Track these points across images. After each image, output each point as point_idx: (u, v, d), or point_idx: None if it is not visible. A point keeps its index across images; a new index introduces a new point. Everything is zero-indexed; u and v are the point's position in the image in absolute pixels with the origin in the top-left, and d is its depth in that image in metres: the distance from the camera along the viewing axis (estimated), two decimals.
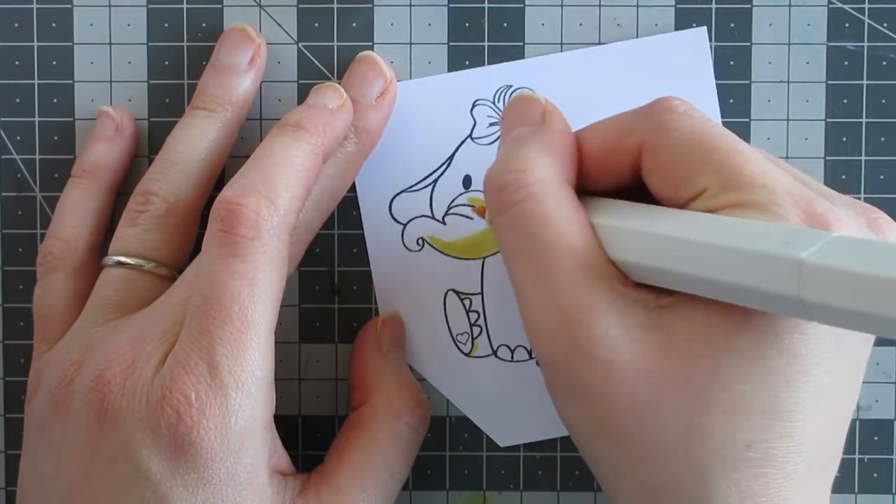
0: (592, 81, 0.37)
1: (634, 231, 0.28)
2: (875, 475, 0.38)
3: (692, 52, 0.37)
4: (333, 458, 0.33)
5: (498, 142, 0.37)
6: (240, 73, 0.36)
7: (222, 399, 0.29)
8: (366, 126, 0.35)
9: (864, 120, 0.37)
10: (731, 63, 0.37)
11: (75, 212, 0.35)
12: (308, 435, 0.38)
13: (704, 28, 0.37)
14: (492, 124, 0.37)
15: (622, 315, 0.28)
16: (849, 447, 0.37)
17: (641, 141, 0.30)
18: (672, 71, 0.37)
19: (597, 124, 0.32)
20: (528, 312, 0.29)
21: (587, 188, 0.32)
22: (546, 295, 0.29)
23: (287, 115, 0.33)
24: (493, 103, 0.37)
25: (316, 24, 0.37)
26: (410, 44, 0.37)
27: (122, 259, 0.34)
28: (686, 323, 0.28)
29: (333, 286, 0.38)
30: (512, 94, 0.37)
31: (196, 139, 0.35)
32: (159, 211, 0.34)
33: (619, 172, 0.31)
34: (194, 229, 0.35)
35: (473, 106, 0.37)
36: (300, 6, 0.37)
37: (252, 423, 0.30)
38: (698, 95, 0.37)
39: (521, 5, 0.37)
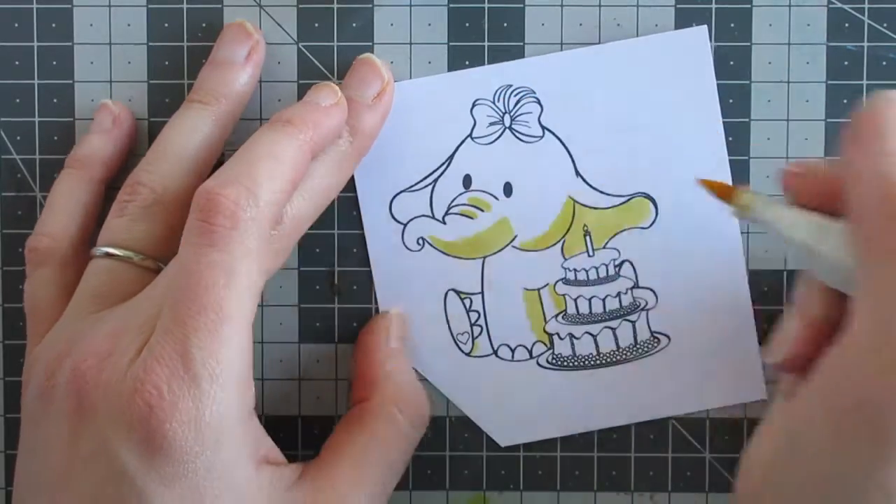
0: (592, 81, 0.37)
1: None
2: None
3: (692, 51, 0.37)
4: (332, 451, 0.33)
5: (497, 142, 0.37)
6: (236, 67, 0.35)
7: (196, 392, 0.29)
8: (360, 125, 0.35)
9: None
10: (731, 63, 0.37)
11: (64, 205, 0.35)
12: (308, 435, 0.38)
13: (704, 28, 0.37)
14: (492, 124, 0.37)
15: None
16: None
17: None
18: (672, 71, 0.37)
19: None
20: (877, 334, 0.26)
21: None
22: None
23: (279, 111, 0.33)
24: (493, 103, 0.37)
25: (316, 24, 0.37)
26: (410, 44, 0.37)
27: (110, 250, 0.33)
28: None
29: (333, 286, 0.38)
30: (512, 93, 0.37)
31: (189, 131, 0.34)
32: (146, 201, 0.34)
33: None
34: (183, 221, 0.35)
35: (473, 106, 0.37)
36: (300, 6, 0.37)
37: (227, 417, 0.29)
38: (698, 95, 0.37)
39: (521, 5, 0.37)
